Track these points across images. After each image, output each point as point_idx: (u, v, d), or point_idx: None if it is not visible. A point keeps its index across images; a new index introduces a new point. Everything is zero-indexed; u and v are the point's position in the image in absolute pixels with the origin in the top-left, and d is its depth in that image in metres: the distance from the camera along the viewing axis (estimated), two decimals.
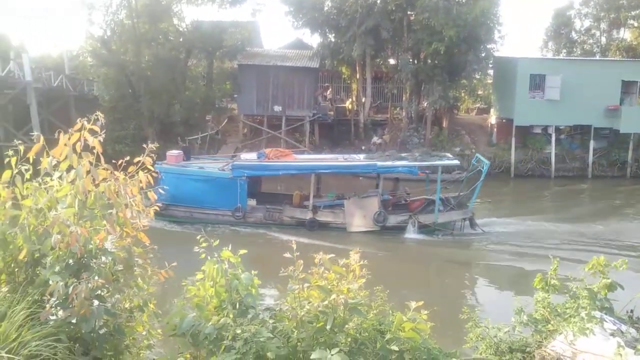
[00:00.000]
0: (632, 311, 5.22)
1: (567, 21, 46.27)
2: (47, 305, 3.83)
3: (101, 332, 3.98)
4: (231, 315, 3.89)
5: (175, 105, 32.38)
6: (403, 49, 34.34)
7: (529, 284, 14.08)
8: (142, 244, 4.49)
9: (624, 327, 4.65)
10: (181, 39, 34.16)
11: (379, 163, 19.88)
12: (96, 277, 3.86)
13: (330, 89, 39.82)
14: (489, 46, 33.34)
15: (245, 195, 19.89)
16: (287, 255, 4.02)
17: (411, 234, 19.22)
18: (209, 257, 4.30)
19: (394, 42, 35.20)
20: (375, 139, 34.46)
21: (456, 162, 20.77)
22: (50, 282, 3.80)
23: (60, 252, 3.96)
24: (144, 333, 4.56)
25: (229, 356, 3.59)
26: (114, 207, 4.19)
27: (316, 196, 21.02)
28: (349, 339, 3.85)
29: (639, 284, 5.56)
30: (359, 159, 21.30)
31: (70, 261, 3.96)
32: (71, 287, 3.71)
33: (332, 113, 36.29)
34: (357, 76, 36.75)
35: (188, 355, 4.23)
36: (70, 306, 3.73)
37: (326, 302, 3.77)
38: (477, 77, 36.08)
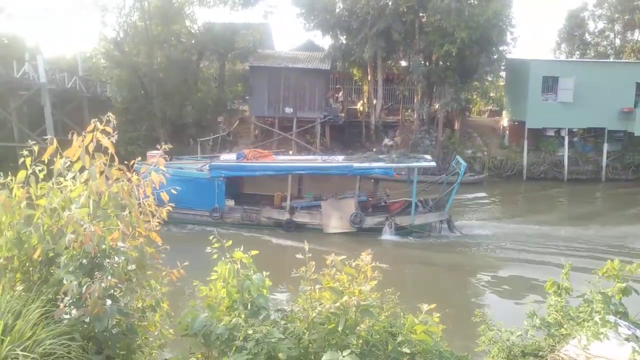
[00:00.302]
0: None
1: (580, 23, 45.91)
2: (61, 304, 3.86)
3: (114, 331, 4.01)
4: (243, 316, 3.90)
5: (187, 106, 32.55)
6: (414, 50, 34.27)
7: (528, 287, 13.95)
8: (154, 244, 4.52)
9: (639, 332, 4.60)
10: (193, 41, 34.37)
11: (355, 165, 19.88)
12: (109, 277, 3.89)
13: (341, 91, 39.83)
14: (501, 48, 33.20)
15: (223, 196, 19.92)
16: (299, 256, 4.02)
17: (387, 235, 19.18)
18: (222, 258, 4.31)
19: (405, 44, 35.15)
20: (386, 141, 34.41)
21: (432, 164, 20.70)
22: (64, 281, 3.84)
23: (74, 252, 4.00)
24: (156, 333, 4.59)
25: (241, 357, 3.60)
26: (127, 207, 4.23)
27: (297, 197, 21.16)
28: (361, 341, 3.84)
29: None
30: (337, 161, 21.31)
31: (84, 261, 3.99)
32: (85, 287, 3.74)
33: (343, 115, 36.31)
34: (369, 78, 36.72)
35: (200, 355, 4.24)
36: (84, 305, 3.76)
37: (338, 304, 3.77)
38: (489, 79, 35.96)
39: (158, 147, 4.95)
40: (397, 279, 16.22)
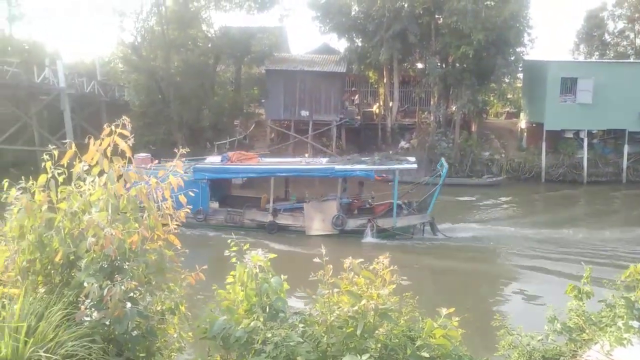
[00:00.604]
0: None
1: (599, 23, 45.34)
2: (82, 307, 3.90)
3: (134, 333, 4.03)
4: (261, 319, 3.90)
5: (204, 110, 32.79)
6: (431, 52, 34.14)
7: (528, 292, 13.63)
8: (173, 247, 4.55)
9: None
10: (210, 45, 34.65)
11: (337, 167, 19.84)
12: (129, 280, 3.92)
13: (357, 94, 39.80)
14: (518, 49, 32.93)
15: (207, 198, 19.97)
16: (317, 260, 4.02)
17: (369, 238, 19.10)
18: (238, 262, 4.33)
19: (421, 46, 35.06)
20: (402, 144, 34.31)
21: (414, 166, 20.48)
22: (85, 284, 3.87)
23: (95, 255, 4.03)
24: (175, 335, 4.61)
25: None
26: (146, 211, 4.26)
27: (284, 200, 21.28)
28: (379, 345, 3.82)
29: None
30: (321, 163, 21.33)
31: (104, 264, 4.03)
32: (105, 289, 3.77)
33: (359, 118, 36.27)
34: (385, 80, 36.66)
35: (218, 358, 4.25)
36: (105, 308, 3.79)
37: (356, 308, 3.75)
38: (507, 80, 35.62)
39: (175, 150, 5.00)
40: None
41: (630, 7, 44.15)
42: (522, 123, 36.33)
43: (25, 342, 3.41)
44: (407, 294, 4.76)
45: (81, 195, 4.25)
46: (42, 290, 4.17)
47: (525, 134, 35.35)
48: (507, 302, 14.41)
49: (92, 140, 4.17)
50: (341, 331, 3.84)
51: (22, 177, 4.46)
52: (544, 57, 35.88)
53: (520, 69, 34.85)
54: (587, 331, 4.61)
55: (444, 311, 3.90)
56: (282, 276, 4.34)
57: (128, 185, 4.19)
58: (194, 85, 32.16)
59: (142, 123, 30.87)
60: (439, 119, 34.86)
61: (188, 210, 4.58)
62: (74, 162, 4.30)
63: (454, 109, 34.42)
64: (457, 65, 33.50)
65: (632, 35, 45.82)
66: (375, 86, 40.21)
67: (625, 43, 46.20)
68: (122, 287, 3.77)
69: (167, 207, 4.38)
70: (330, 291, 3.99)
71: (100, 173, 4.22)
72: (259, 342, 3.68)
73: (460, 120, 33.93)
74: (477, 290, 15.38)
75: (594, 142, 33.57)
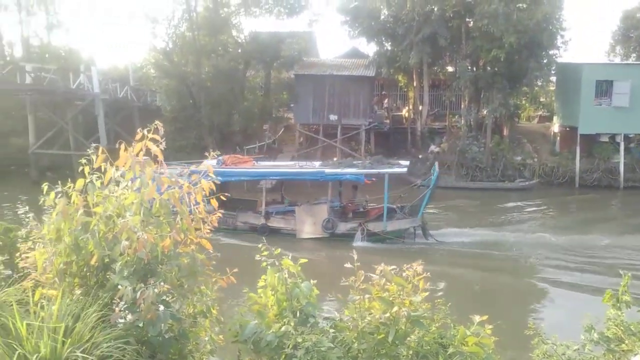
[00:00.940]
0: None
1: (636, 24, 44.06)
2: (117, 309, 3.97)
3: (167, 336, 4.08)
4: (292, 324, 3.90)
5: (234, 115, 33.14)
6: (461, 56, 33.79)
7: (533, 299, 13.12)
8: (205, 251, 4.59)
9: None
10: (240, 50, 35.00)
11: (327, 170, 19.77)
12: (162, 283, 3.97)
13: (388, 98, 39.64)
14: (551, 52, 32.31)
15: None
16: (348, 265, 4.00)
17: (359, 241, 18.93)
18: (269, 266, 4.34)
19: (451, 50, 34.73)
20: (432, 148, 34.01)
21: (404, 170, 20.30)
22: (119, 286, 3.94)
23: (128, 258, 4.10)
24: (206, 338, 4.65)
25: None
26: (178, 214, 4.32)
27: (280, 202, 21.45)
28: (411, 352, 3.79)
29: None
30: (314, 167, 21.24)
31: (138, 267, 4.09)
32: (139, 292, 3.82)
33: (388, 121, 36.10)
34: (414, 84, 36.43)
35: None
36: (138, 310, 3.84)
37: (388, 314, 3.73)
38: (539, 84, 34.98)
39: (206, 154, 5.07)
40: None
41: None
42: (555, 127, 35.61)
43: (63, 343, 3.48)
44: (438, 300, 4.70)
45: (116, 199, 4.33)
46: (78, 291, 4.26)
47: (558, 137, 34.63)
48: (530, 310, 14.11)
49: (123, 145, 4.25)
50: (372, 337, 3.81)
51: (59, 181, 4.58)
52: (578, 60, 35.15)
53: (553, 71, 34.18)
54: (626, 342, 4.47)
55: (476, 318, 3.84)
56: (312, 281, 4.34)
57: (163, 189, 4.25)
58: (224, 90, 32.51)
59: (174, 128, 31.38)
60: (470, 122, 34.44)
61: (220, 215, 4.62)
62: (107, 167, 4.39)
63: (485, 112, 33.93)
64: (488, 68, 33.08)
65: None
66: (405, 90, 39.98)
67: None
68: (155, 290, 3.82)
69: (199, 211, 4.42)
70: (362, 297, 3.97)
71: (134, 177, 4.29)
72: (290, 346, 3.69)
73: (492, 124, 33.43)
74: (492, 298, 15.08)
75: (631, 147, 32.65)
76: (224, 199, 4.98)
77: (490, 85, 32.11)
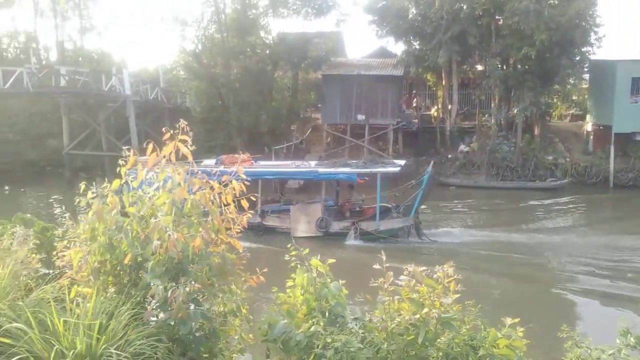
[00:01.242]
0: None
1: None
2: (149, 307, 4.05)
3: (197, 334, 4.14)
4: (321, 324, 3.92)
5: (262, 115, 33.34)
6: (491, 54, 33.33)
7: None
8: (234, 250, 4.65)
9: None
10: (268, 51, 35.20)
11: (320, 170, 19.89)
12: (193, 282, 4.03)
13: (417, 97, 39.35)
14: (584, 49, 31.58)
15: None
16: (377, 266, 4.00)
17: (351, 240, 18.94)
18: (299, 265, 4.37)
19: (481, 48, 34.27)
20: (462, 147, 33.63)
21: (396, 169, 20.18)
22: (152, 285, 4.01)
23: (160, 257, 4.18)
24: (236, 337, 4.70)
25: None
26: (209, 215, 4.38)
27: (277, 201, 21.73)
28: (440, 354, 3.76)
29: None
30: (309, 166, 21.39)
31: (169, 266, 4.16)
32: (170, 291, 3.89)
33: (416, 121, 35.83)
34: (443, 83, 36.08)
35: None
36: (170, 309, 3.91)
37: (418, 316, 3.71)
38: (571, 82, 34.24)
39: (237, 155, 5.12)
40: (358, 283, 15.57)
41: None
42: (588, 125, 34.81)
43: (98, 339, 3.58)
44: (469, 302, 4.65)
45: (149, 200, 4.41)
46: (112, 290, 4.36)
47: (591, 136, 33.84)
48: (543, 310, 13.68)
49: (150, 146, 4.33)
50: (402, 338, 3.80)
51: (94, 182, 4.69)
52: (613, 56, 34.26)
53: (586, 69, 33.42)
54: None
55: (508, 321, 3.79)
56: (341, 281, 4.34)
57: (194, 189, 4.32)
58: (253, 91, 32.74)
59: (203, 129, 31.76)
60: (500, 121, 33.93)
61: (250, 215, 4.67)
62: (140, 168, 4.48)
63: (515, 111, 33.39)
64: (519, 66, 32.55)
65: None
66: (434, 89, 39.64)
67: None
68: (186, 289, 3.88)
69: (230, 212, 4.48)
70: (391, 298, 3.96)
71: (166, 178, 4.38)
72: (319, 346, 3.70)
73: (522, 123, 32.86)
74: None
75: None
76: (254, 199, 5.02)
77: (521, 84, 31.58)
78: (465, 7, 32.04)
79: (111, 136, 32.77)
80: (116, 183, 4.48)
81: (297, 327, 4.10)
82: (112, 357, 3.46)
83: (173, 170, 4.29)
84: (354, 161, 21.51)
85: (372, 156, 23.45)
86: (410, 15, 34.43)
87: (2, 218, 6.07)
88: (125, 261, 4.28)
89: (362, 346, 3.68)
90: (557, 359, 5.04)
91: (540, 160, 31.82)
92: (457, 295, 3.90)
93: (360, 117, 33.60)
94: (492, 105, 34.81)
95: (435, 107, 37.92)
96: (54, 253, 4.88)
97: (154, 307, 4.05)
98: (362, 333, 3.98)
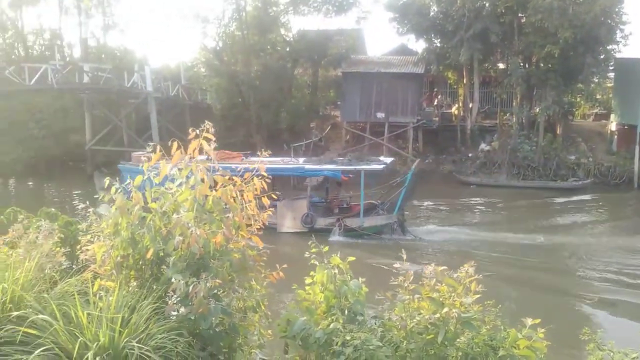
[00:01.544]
0: None
1: None
2: (170, 302, 4.09)
3: (217, 329, 4.18)
4: (340, 321, 3.93)
5: (282, 113, 33.43)
6: (513, 52, 32.96)
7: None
8: (255, 247, 4.68)
9: None
10: (288, 49, 35.27)
11: (306, 166, 20.16)
12: (214, 277, 4.07)
13: (439, 95, 39.09)
14: (609, 47, 31.03)
15: None
16: (397, 265, 4.00)
17: (336, 236, 19.03)
18: (318, 263, 4.38)
19: (503, 46, 33.92)
20: (483, 146, 33.33)
21: (380, 167, 20.29)
22: (173, 280, 4.06)
23: (182, 253, 4.22)
24: (255, 333, 4.73)
25: None
26: (231, 211, 4.41)
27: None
28: (460, 353, 3.74)
29: None
30: (297, 163, 21.51)
31: (191, 261, 4.21)
32: (191, 286, 3.93)
33: (437, 119, 35.59)
34: (464, 81, 35.80)
35: (297, 358, 4.32)
36: (190, 303, 3.95)
37: (438, 315, 3.70)
38: (596, 80, 33.68)
39: (259, 153, 5.18)
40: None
41: None
42: (613, 125, 34.23)
43: (120, 333, 3.63)
44: (489, 302, 4.62)
45: (172, 196, 4.46)
46: (134, 284, 4.42)
47: (615, 136, 33.28)
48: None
49: (175, 144, 4.37)
50: (421, 337, 3.79)
51: (117, 178, 4.76)
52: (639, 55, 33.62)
53: (611, 67, 32.86)
54: None
55: (528, 321, 3.76)
56: (361, 279, 4.35)
57: (217, 187, 4.36)
58: (273, 89, 32.85)
59: (223, 126, 31.95)
60: (522, 120, 33.54)
61: (270, 212, 4.70)
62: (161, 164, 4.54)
63: (537, 110, 32.97)
64: (542, 65, 32.09)
65: None
66: (455, 87, 39.34)
67: None
68: (207, 285, 3.91)
69: (251, 209, 4.51)
70: (411, 297, 3.96)
71: (189, 175, 4.42)
72: (339, 344, 3.71)
73: (545, 122, 32.44)
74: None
75: None
76: (275, 197, 5.05)
77: (544, 83, 31.16)
78: (487, 4, 31.74)
79: (132, 132, 33.17)
80: (139, 179, 4.53)
81: (316, 324, 4.12)
82: (133, 350, 3.50)
83: (196, 167, 4.33)
84: (340, 158, 21.84)
85: (358, 154, 23.66)
86: (432, 13, 34.23)
87: (26, 212, 6.19)
88: (148, 256, 4.33)
89: (381, 344, 3.68)
90: None
91: (562, 160, 31.38)
92: (478, 296, 3.88)
93: (380, 115, 33.49)
94: (514, 103, 34.43)
95: (456, 105, 37.62)
96: (78, 247, 4.95)
97: (175, 301, 4.09)
98: (381, 331, 3.99)
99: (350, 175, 20.32)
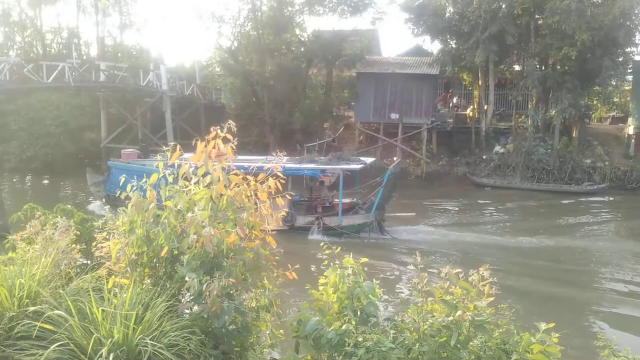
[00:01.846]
0: None
1: None
2: (183, 300, 4.13)
3: (230, 328, 4.20)
4: (353, 322, 3.92)
5: (295, 113, 33.44)
6: (529, 54, 32.69)
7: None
8: (268, 247, 4.69)
9: None
10: (302, 49, 35.27)
11: (287, 165, 19.95)
12: (227, 276, 4.09)
13: (456, 96, 38.85)
14: (628, 50, 30.66)
15: None
16: (411, 267, 3.98)
17: (315, 235, 19.11)
18: (331, 264, 4.38)
19: (519, 48, 33.68)
20: (497, 148, 33.09)
21: (359, 166, 20.30)
22: (187, 278, 4.09)
23: (196, 251, 4.25)
24: (267, 332, 4.75)
25: None
26: (245, 211, 4.43)
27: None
28: (473, 357, 3.73)
29: None
30: (279, 161, 21.17)
31: (205, 260, 4.23)
32: (205, 285, 3.96)
33: (451, 121, 35.39)
34: (479, 83, 35.55)
35: (309, 358, 4.33)
36: (204, 302, 3.98)
37: (451, 318, 3.68)
38: (613, 83, 33.27)
39: (273, 153, 5.20)
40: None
41: None
42: (630, 128, 33.75)
43: (134, 329, 3.66)
44: (502, 305, 4.59)
45: (187, 194, 4.49)
46: (148, 281, 4.46)
47: (633, 140, 32.81)
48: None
49: (198, 143, 4.40)
50: (434, 340, 3.78)
51: (135, 176, 4.80)
52: None
53: (629, 70, 32.46)
54: None
55: (542, 326, 3.73)
56: (375, 281, 4.34)
57: (232, 186, 4.38)
58: (287, 89, 32.86)
59: (237, 125, 31.78)
60: (537, 123, 33.21)
61: (284, 213, 4.71)
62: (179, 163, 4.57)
63: (553, 113, 32.65)
64: (558, 67, 31.78)
65: None
66: (470, 89, 39.09)
67: None
68: (220, 283, 3.94)
69: (265, 208, 4.52)
70: (424, 299, 3.94)
71: (205, 174, 4.45)
72: (351, 345, 3.71)
73: (560, 125, 32.09)
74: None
75: None
76: (290, 197, 5.06)
77: (560, 85, 30.83)
78: (504, 6, 31.50)
79: (147, 130, 33.40)
80: (154, 177, 4.57)
81: (328, 324, 4.12)
82: (147, 347, 3.53)
83: (212, 166, 4.36)
84: (322, 158, 21.87)
85: (339, 153, 23.60)
86: (448, 14, 34.07)
87: (43, 208, 6.26)
88: (162, 254, 4.37)
89: (393, 346, 3.67)
90: None
91: (577, 164, 31.04)
92: (492, 299, 3.86)
93: (394, 115, 33.38)
94: (530, 106, 34.13)
95: (471, 107, 37.38)
96: (93, 244, 5.01)
97: (189, 299, 4.13)
98: (393, 333, 3.98)
99: (329, 175, 20.51)
